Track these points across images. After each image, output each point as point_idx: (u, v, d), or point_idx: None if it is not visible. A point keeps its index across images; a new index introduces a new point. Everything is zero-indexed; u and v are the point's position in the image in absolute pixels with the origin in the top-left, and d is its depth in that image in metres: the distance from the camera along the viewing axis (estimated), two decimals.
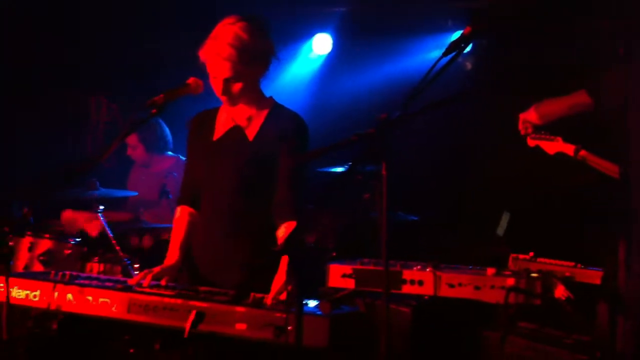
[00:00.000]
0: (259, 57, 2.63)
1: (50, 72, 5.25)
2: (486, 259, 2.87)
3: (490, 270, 2.31)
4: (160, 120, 4.85)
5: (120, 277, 3.31)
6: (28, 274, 2.99)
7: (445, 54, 1.98)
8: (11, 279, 2.52)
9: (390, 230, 1.97)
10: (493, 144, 4.73)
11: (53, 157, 5.00)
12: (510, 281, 2.24)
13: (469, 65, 5.13)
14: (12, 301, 2.51)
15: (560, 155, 3.33)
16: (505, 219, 4.39)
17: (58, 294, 2.49)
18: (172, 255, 2.70)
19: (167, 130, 4.91)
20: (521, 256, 3.09)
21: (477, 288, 2.26)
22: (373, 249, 2.62)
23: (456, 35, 4.83)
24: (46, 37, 5.24)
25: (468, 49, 4.75)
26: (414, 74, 4.64)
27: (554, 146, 3.35)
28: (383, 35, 5.27)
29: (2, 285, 2.50)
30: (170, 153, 4.93)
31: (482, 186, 4.87)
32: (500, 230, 4.40)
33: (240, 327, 2.24)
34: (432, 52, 5.18)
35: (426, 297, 3.65)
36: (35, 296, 2.53)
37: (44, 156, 5.03)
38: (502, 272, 2.34)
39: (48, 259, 3.95)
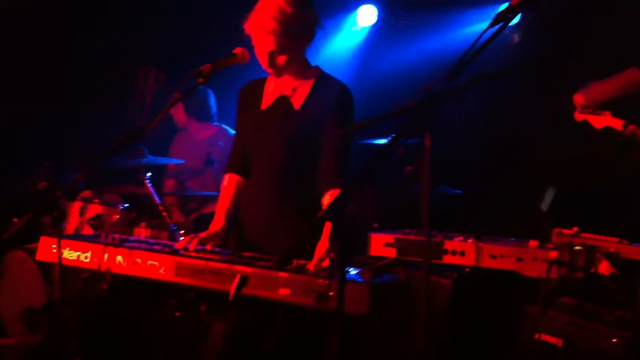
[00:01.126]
0: (302, 28, 2.65)
1: (101, 42, 5.36)
2: (529, 234, 2.86)
3: (533, 243, 2.30)
4: (209, 90, 4.92)
5: (167, 242, 3.41)
6: (79, 236, 3.10)
7: (491, 25, 1.97)
8: (63, 241, 2.60)
9: (433, 203, 1.98)
10: (539, 117, 4.67)
11: (103, 125, 5.12)
12: (553, 254, 2.23)
13: (516, 38, 5.04)
14: (64, 262, 2.60)
15: (608, 130, 3.28)
16: (550, 195, 4.35)
17: (108, 256, 2.57)
18: (218, 222, 2.77)
19: (213, 101, 4.97)
20: (565, 231, 3.06)
21: (519, 260, 2.25)
22: (414, 221, 2.65)
23: (504, 6, 4.75)
24: (97, 6, 5.34)
25: (516, 20, 4.71)
26: (459, 46, 4.58)
27: (602, 120, 3.29)
28: (428, 7, 5.21)
29: (54, 246, 2.60)
30: (214, 123, 5.00)
31: (527, 160, 4.82)
32: (544, 206, 4.36)
33: (283, 292, 2.29)
34: (478, 24, 5.11)
35: (467, 270, 3.67)
36: (86, 257, 2.62)
37: (95, 124, 5.16)
38: (545, 245, 2.33)
39: (97, 223, 4.08)
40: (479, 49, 1.94)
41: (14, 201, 4.55)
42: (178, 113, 4.93)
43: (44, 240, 2.68)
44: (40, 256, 2.70)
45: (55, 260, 2.50)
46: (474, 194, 4.73)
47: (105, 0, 5.40)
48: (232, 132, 4.91)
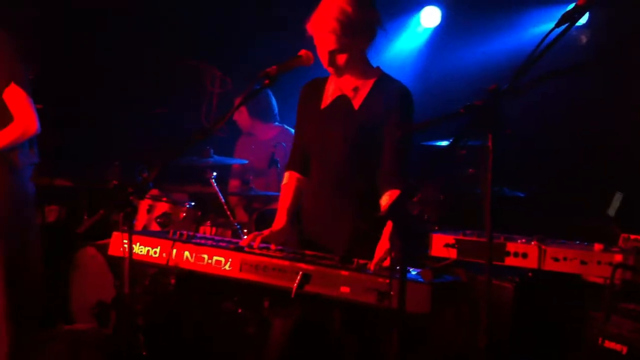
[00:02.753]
0: (363, 28, 2.67)
1: (170, 45, 5.51)
2: (595, 239, 2.81)
3: (598, 246, 2.26)
4: (269, 91, 5.00)
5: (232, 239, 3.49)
6: (149, 232, 3.20)
7: (558, 25, 1.95)
8: (134, 236, 2.69)
9: (495, 206, 1.97)
10: (607, 119, 4.57)
11: (171, 126, 5.27)
12: (618, 257, 2.20)
13: (583, 39, 4.94)
14: (134, 257, 2.69)
15: None
16: (617, 199, 4.25)
17: (176, 252, 2.65)
18: (280, 220, 2.81)
19: (274, 102, 5.05)
20: (632, 236, 3.00)
21: (583, 263, 2.22)
22: (476, 224, 2.63)
23: (570, 7, 4.66)
24: (166, 10, 5.50)
25: (583, 20, 4.61)
26: (524, 48, 4.53)
27: None
28: (493, 7, 5.16)
29: (125, 241, 2.69)
30: (276, 123, 5.08)
31: (594, 163, 4.72)
32: (611, 211, 4.26)
33: (344, 290, 2.31)
34: (543, 25, 5.03)
35: (530, 275, 3.62)
36: (155, 253, 2.71)
37: (164, 124, 5.31)
38: (611, 248, 2.29)
39: (164, 220, 4.20)
40: (545, 49, 1.93)
41: (87, 199, 4.73)
42: (242, 118, 5.02)
43: (115, 235, 2.78)
44: (112, 251, 2.80)
45: (126, 255, 2.59)
46: (537, 198, 4.66)
47: (174, 3, 5.55)
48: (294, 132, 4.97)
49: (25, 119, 3.18)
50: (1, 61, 3.19)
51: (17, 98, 3.18)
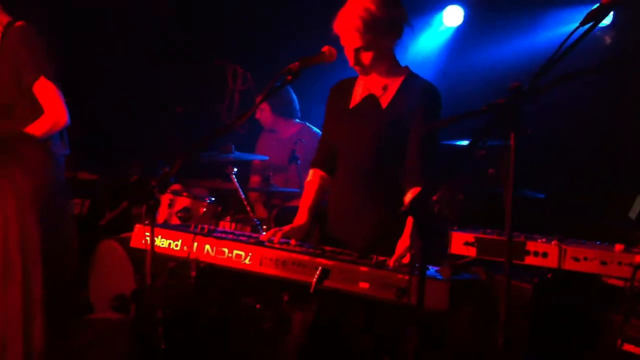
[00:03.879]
0: (389, 26, 2.68)
1: (195, 42, 5.56)
2: (616, 242, 2.80)
3: (619, 247, 2.25)
4: (290, 88, 5.02)
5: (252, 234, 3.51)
6: (170, 225, 3.24)
7: (582, 24, 1.95)
8: (156, 229, 2.72)
9: (515, 207, 1.97)
10: (630, 121, 4.53)
11: (193, 121, 5.32)
12: (639, 258, 2.19)
13: (607, 40, 4.90)
14: (155, 249, 2.72)
15: None
16: (638, 203, 4.22)
17: (197, 245, 2.68)
18: (302, 216, 2.84)
19: (295, 97, 5.07)
20: None
21: (603, 263, 2.21)
22: (495, 224, 2.63)
23: (595, 6, 4.64)
24: (189, 7, 5.54)
25: (607, 21, 4.58)
26: (547, 48, 4.50)
27: None
28: (516, 7, 5.14)
29: (147, 234, 2.73)
30: (297, 120, 5.10)
31: (615, 166, 4.68)
32: (632, 214, 4.23)
33: (363, 285, 2.33)
34: (567, 25, 5.00)
35: (549, 275, 3.61)
36: (176, 246, 2.73)
37: (186, 120, 5.36)
38: (632, 249, 2.28)
39: (185, 215, 4.23)
40: (568, 49, 1.92)
41: (110, 192, 4.79)
42: (264, 115, 5.04)
43: (138, 228, 2.82)
44: (134, 243, 2.83)
45: (147, 247, 2.62)
46: (557, 199, 4.63)
47: (197, 2, 5.59)
48: (315, 129, 5.00)
49: (55, 111, 3.24)
50: (31, 56, 3.25)
51: (47, 91, 3.23)
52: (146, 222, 2.48)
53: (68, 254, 1.02)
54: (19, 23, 3.31)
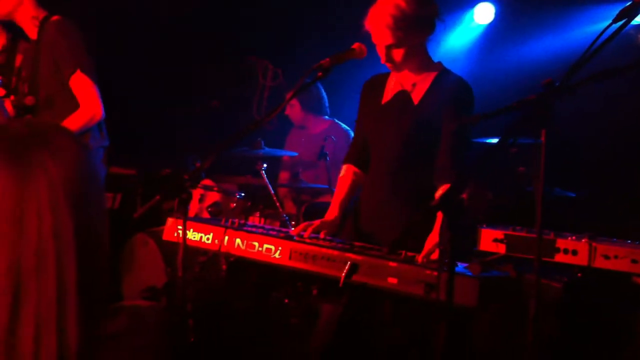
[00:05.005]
0: (419, 22, 2.67)
1: (225, 38, 5.60)
2: None
3: None
4: (319, 84, 5.04)
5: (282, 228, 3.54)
6: (202, 219, 3.29)
7: (614, 22, 1.94)
8: (188, 222, 2.77)
9: (545, 205, 1.96)
10: None
11: (224, 117, 5.37)
12: None
13: None
14: (187, 242, 2.77)
15: None
16: None
17: (228, 239, 2.72)
18: (333, 211, 2.85)
19: (324, 94, 5.09)
20: None
21: (634, 262, 2.21)
22: (525, 223, 2.62)
23: (628, 4, 4.59)
24: (219, 3, 5.60)
25: None
26: (578, 46, 4.46)
27: None
28: (548, 4, 5.10)
29: (180, 227, 2.77)
30: (326, 117, 5.12)
31: None
32: None
33: (392, 281, 2.34)
34: (599, 23, 4.94)
35: (579, 275, 3.58)
36: (208, 239, 2.78)
37: (217, 116, 5.41)
38: None
39: (215, 210, 4.28)
40: (600, 46, 1.92)
41: (141, 187, 4.86)
42: (294, 111, 5.06)
43: (170, 221, 2.87)
44: (166, 236, 2.89)
45: (180, 240, 2.67)
46: (588, 198, 4.59)
47: None
48: (344, 126, 5.01)
49: (91, 105, 3.30)
50: (68, 49, 3.31)
51: (83, 85, 3.30)
52: (178, 215, 2.53)
53: (101, 244, 1.05)
54: (55, 17, 3.37)
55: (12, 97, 3.43)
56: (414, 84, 2.78)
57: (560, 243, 2.32)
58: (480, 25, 5.56)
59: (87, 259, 1.12)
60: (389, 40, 2.66)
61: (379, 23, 2.65)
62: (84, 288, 1.11)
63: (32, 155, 1.10)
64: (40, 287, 1.07)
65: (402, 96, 2.80)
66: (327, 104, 5.11)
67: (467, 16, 5.56)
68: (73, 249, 1.10)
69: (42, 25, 3.37)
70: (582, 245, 2.29)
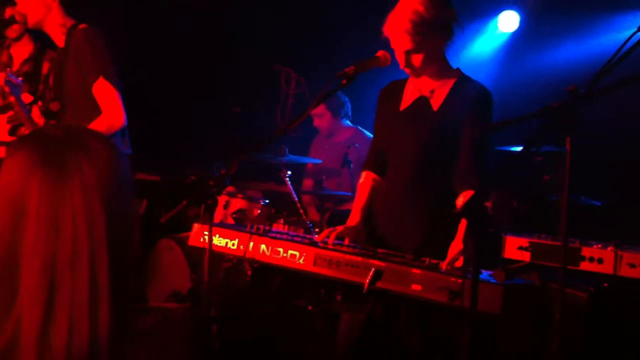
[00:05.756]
0: (438, 28, 2.67)
1: (250, 46, 5.65)
2: None
3: None
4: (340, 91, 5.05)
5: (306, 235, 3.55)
6: (227, 225, 3.31)
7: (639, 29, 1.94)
8: (213, 228, 2.79)
9: (571, 214, 1.96)
10: None
11: (248, 124, 5.41)
12: None
13: None
14: (213, 247, 2.79)
15: None
16: None
17: (253, 244, 2.74)
18: (354, 217, 2.86)
19: (346, 98, 5.11)
20: None
21: None
22: (550, 232, 2.61)
23: None
24: (243, 11, 5.65)
25: None
26: (603, 54, 4.43)
27: None
28: (573, 13, 5.08)
29: (206, 232, 2.80)
30: (349, 123, 5.14)
31: None
32: None
33: (416, 287, 2.34)
34: (624, 31, 4.91)
35: (605, 285, 3.55)
36: (233, 245, 2.80)
37: (241, 123, 5.46)
38: None
39: (240, 216, 4.31)
40: (626, 53, 1.91)
41: (167, 193, 4.91)
42: (324, 121, 5.08)
43: (196, 226, 2.90)
44: (192, 241, 2.91)
45: (205, 245, 2.69)
46: (615, 207, 4.54)
47: (253, 6, 5.69)
48: (368, 133, 5.03)
49: (113, 112, 3.35)
50: (92, 56, 3.36)
51: (105, 92, 3.34)
52: (204, 220, 2.56)
53: (131, 246, 1.08)
54: (82, 25, 3.44)
55: (39, 103, 3.50)
56: (433, 90, 2.78)
57: (586, 251, 2.31)
58: (505, 33, 5.55)
59: (118, 259, 1.16)
60: (408, 45, 2.66)
61: (397, 28, 2.65)
62: (115, 286, 1.14)
63: (68, 158, 1.14)
64: (74, 285, 1.10)
65: (421, 102, 2.80)
66: (349, 108, 5.12)
67: (491, 24, 5.55)
68: (105, 249, 1.13)
69: (70, 33, 3.43)
70: (608, 254, 2.27)
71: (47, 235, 1.11)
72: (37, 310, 1.09)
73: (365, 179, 2.96)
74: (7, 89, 3.38)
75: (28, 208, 1.12)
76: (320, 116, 5.02)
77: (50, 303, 1.10)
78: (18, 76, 3.46)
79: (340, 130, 5.10)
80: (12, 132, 3.80)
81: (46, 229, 1.11)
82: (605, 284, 3.53)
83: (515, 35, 5.51)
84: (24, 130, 3.73)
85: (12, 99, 3.40)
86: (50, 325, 1.09)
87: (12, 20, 3.49)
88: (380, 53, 2.74)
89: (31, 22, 3.46)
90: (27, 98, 3.64)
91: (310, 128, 5.24)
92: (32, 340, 1.09)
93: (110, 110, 3.35)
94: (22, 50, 4.02)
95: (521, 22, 5.43)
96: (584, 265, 2.30)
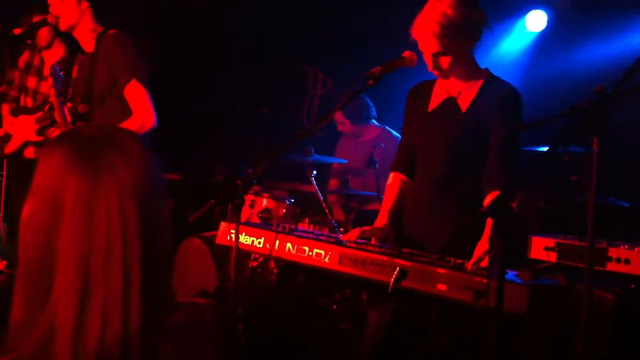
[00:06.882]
0: (466, 29, 2.66)
1: (277, 47, 5.69)
2: None
3: None
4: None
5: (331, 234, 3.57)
6: (254, 224, 3.35)
7: None
8: (240, 226, 2.83)
9: (598, 214, 1.95)
10: None
11: (274, 124, 5.45)
12: None
13: None
14: (239, 246, 2.83)
15: None
16: None
17: (279, 243, 2.77)
18: (382, 218, 2.87)
19: (368, 99, 5.12)
20: None
21: None
22: (577, 233, 2.59)
23: None
24: (271, 12, 5.69)
25: None
26: (631, 53, 4.40)
27: None
28: (601, 12, 5.03)
29: (232, 231, 2.83)
30: (375, 122, 5.14)
31: None
32: None
33: (441, 287, 2.35)
34: None
35: (632, 286, 3.51)
36: (259, 243, 2.83)
37: (267, 123, 5.49)
38: None
39: (266, 216, 4.34)
40: None
41: (194, 193, 4.96)
42: (346, 128, 5.10)
43: (223, 225, 2.94)
44: (219, 240, 2.95)
45: (232, 244, 2.72)
46: None
47: (280, 8, 5.73)
48: (395, 133, 5.03)
49: (144, 113, 3.41)
50: (124, 59, 3.43)
51: (136, 94, 3.41)
52: (232, 219, 2.58)
53: (163, 244, 1.10)
54: (112, 31, 3.51)
55: (68, 105, 3.58)
56: (461, 91, 2.78)
57: (613, 252, 2.29)
58: (533, 32, 5.51)
59: (150, 257, 1.18)
60: (436, 48, 2.66)
61: (425, 31, 2.65)
62: (147, 284, 1.17)
63: (103, 158, 1.17)
64: (108, 281, 1.13)
65: (449, 103, 2.80)
66: (372, 108, 5.11)
67: (519, 24, 5.52)
68: (138, 248, 1.16)
69: (100, 38, 3.51)
70: (635, 255, 2.26)
71: (82, 232, 1.14)
72: (71, 306, 1.12)
73: (394, 180, 2.97)
74: (50, 80, 3.46)
75: (64, 205, 1.15)
76: (342, 124, 5.05)
77: (84, 299, 1.13)
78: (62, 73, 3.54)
79: (366, 130, 5.11)
80: (40, 133, 3.88)
81: (81, 227, 1.14)
82: (633, 285, 3.50)
83: (543, 35, 5.47)
84: (53, 131, 3.81)
85: (52, 91, 3.48)
86: (84, 321, 1.12)
87: (42, 23, 3.57)
88: (406, 53, 2.73)
89: (64, 25, 3.53)
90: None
91: (336, 128, 5.25)
92: (67, 334, 1.12)
93: (141, 111, 3.41)
94: (53, 54, 4.11)
95: (549, 21, 5.40)
96: (611, 266, 2.28)
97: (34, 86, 4.16)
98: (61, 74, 3.50)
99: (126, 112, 3.43)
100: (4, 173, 4.23)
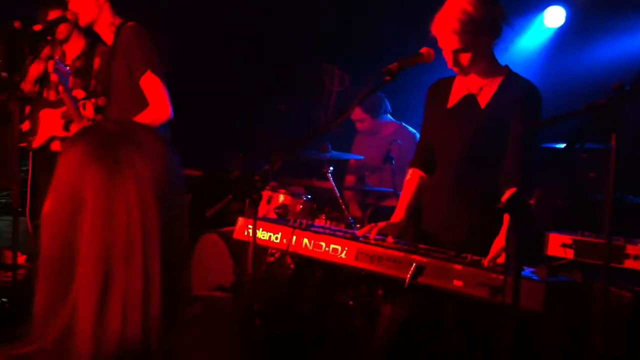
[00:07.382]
0: (486, 26, 2.66)
1: (294, 44, 5.70)
2: None
3: None
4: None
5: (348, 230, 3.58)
6: (271, 219, 3.37)
7: None
8: (257, 222, 2.85)
9: (616, 212, 1.94)
10: None
11: (291, 121, 5.46)
12: None
13: None
14: (257, 241, 2.85)
15: None
16: None
17: (296, 238, 2.79)
18: (398, 214, 2.88)
19: (380, 92, 5.11)
20: None
21: None
22: (595, 231, 2.57)
23: None
24: (289, 9, 5.70)
25: None
26: None
27: None
28: (619, 8, 4.99)
29: (250, 226, 2.85)
30: (390, 117, 5.13)
31: None
32: None
33: (457, 283, 2.36)
34: None
35: None
36: (276, 238, 2.86)
37: (285, 119, 5.51)
38: None
39: (282, 211, 4.35)
40: None
41: (211, 188, 4.99)
42: (365, 125, 5.08)
43: (241, 220, 2.96)
44: (237, 235, 2.98)
45: (249, 239, 2.74)
46: None
47: (298, 5, 5.74)
48: (412, 129, 5.03)
49: (160, 104, 3.44)
50: (140, 51, 3.46)
51: (152, 85, 3.44)
52: (249, 214, 2.61)
53: (182, 239, 1.12)
54: (130, 23, 3.54)
55: (92, 100, 3.61)
56: (481, 88, 2.78)
57: (630, 249, 2.29)
58: (551, 28, 5.48)
59: (169, 252, 1.20)
60: (456, 44, 2.66)
61: (445, 28, 2.65)
62: (167, 278, 1.18)
63: (122, 153, 1.19)
64: (128, 275, 1.15)
65: (469, 100, 2.80)
66: (387, 103, 5.10)
67: (537, 19, 5.49)
68: (158, 242, 1.18)
69: (118, 30, 3.54)
70: None
71: (103, 226, 1.16)
72: (92, 299, 1.14)
73: (412, 176, 2.97)
74: (54, 77, 3.49)
75: (84, 200, 1.17)
76: (362, 121, 5.04)
77: (105, 292, 1.15)
78: (67, 67, 3.56)
79: (383, 126, 5.11)
80: (66, 127, 3.92)
81: (102, 221, 1.16)
82: None
83: (561, 31, 5.44)
84: (76, 125, 3.84)
85: (60, 87, 3.52)
86: (105, 314, 1.14)
87: (61, 20, 3.61)
88: (424, 49, 2.74)
89: (83, 21, 3.56)
90: (79, 94, 3.75)
91: (353, 125, 5.26)
92: (88, 327, 1.13)
93: (157, 103, 3.44)
94: (74, 46, 4.15)
95: (567, 17, 5.36)
96: (628, 263, 2.28)
97: (56, 79, 4.20)
98: (67, 68, 3.53)
99: (143, 103, 3.46)
100: (30, 167, 4.28)
